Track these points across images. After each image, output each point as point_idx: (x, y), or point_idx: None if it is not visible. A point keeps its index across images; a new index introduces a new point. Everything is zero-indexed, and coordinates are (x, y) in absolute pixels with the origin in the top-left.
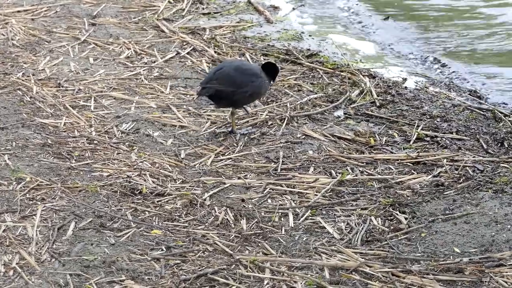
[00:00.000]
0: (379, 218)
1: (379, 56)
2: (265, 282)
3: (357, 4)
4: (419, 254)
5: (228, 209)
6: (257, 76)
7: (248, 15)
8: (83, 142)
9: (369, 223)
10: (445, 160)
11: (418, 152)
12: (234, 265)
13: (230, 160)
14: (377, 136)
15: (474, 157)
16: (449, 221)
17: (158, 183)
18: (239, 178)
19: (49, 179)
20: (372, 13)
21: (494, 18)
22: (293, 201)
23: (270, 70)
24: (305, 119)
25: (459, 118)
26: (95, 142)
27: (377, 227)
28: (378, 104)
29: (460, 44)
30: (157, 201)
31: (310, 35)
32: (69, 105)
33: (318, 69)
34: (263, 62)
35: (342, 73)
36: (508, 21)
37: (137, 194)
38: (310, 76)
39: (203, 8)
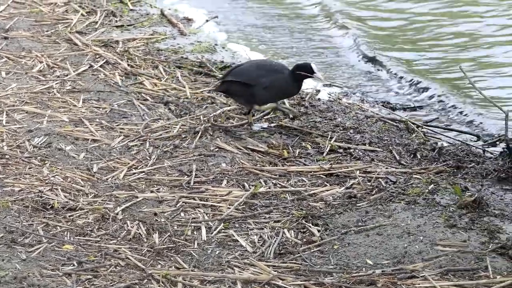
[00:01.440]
0: (292, 231)
1: None
2: None
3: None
4: (332, 267)
5: (140, 223)
6: (277, 72)
7: (161, 27)
8: None
9: (282, 236)
10: (358, 172)
11: (331, 164)
12: (146, 280)
13: (143, 173)
14: (290, 148)
15: (386, 168)
16: (362, 233)
17: (70, 197)
18: (151, 191)
19: None
20: None
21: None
22: (206, 214)
23: (302, 70)
24: (218, 131)
25: (372, 130)
26: (6, 156)
27: (290, 240)
28: (291, 116)
29: None
30: (69, 216)
31: (223, 47)
32: None
33: None
34: (298, 62)
35: None
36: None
37: (49, 209)
38: None
39: (116, 21)
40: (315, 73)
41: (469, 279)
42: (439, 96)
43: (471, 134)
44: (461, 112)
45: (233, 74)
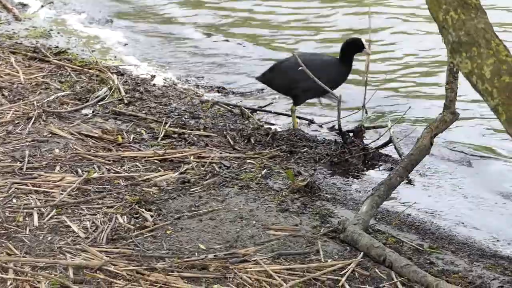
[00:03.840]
0: (125, 216)
1: (130, 53)
2: (9, 283)
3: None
4: (164, 252)
5: None
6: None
7: None
8: None
9: (115, 221)
10: (192, 157)
11: (165, 149)
12: None
13: None
14: (125, 133)
15: (221, 153)
16: (195, 218)
17: None
18: None
19: None
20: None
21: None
22: (39, 200)
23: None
24: (52, 117)
25: (207, 115)
26: None
27: (123, 225)
28: (126, 101)
29: None
30: None
31: (59, 32)
32: None
33: (66, 67)
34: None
35: (90, 71)
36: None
37: None
38: (58, 74)
39: None
40: (364, 48)
41: (300, 262)
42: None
43: (304, 119)
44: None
45: (277, 71)
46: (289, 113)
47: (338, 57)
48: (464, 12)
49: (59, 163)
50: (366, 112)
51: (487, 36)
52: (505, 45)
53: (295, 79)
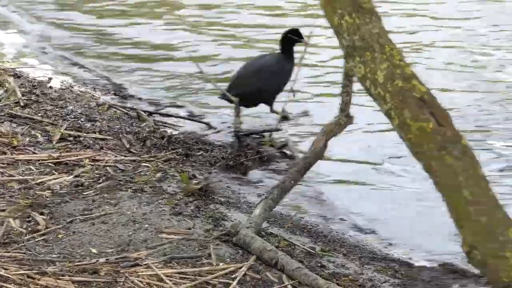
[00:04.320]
0: (17, 220)
1: (27, 55)
2: None
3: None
4: (56, 256)
5: None
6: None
7: None
8: None
9: (7, 225)
10: (87, 160)
11: (60, 152)
12: None
13: None
14: (20, 136)
15: (116, 156)
16: (88, 222)
17: None
18: None
19: None
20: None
21: None
22: None
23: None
24: None
25: (103, 118)
26: None
27: (15, 229)
28: (22, 104)
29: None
30: None
31: None
32: None
33: None
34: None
35: None
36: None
37: None
38: None
39: None
40: (303, 38)
41: (192, 266)
42: (170, 86)
43: (201, 122)
44: (192, 101)
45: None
46: (186, 115)
47: (278, 51)
48: (359, 17)
49: None
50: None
51: (381, 41)
52: (399, 49)
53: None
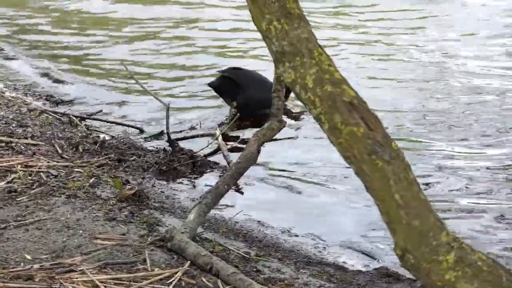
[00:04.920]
0: None
1: None
2: None
3: None
4: None
5: None
6: None
7: None
8: None
9: None
10: (19, 166)
11: None
12: None
13: None
14: None
15: (48, 162)
16: (21, 228)
17: None
18: None
19: None
20: None
21: None
22: None
23: None
24: None
25: (35, 123)
26: None
27: None
28: None
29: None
30: None
31: None
32: None
33: None
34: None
35: None
36: None
37: None
38: None
39: None
40: None
41: (127, 272)
42: (105, 90)
43: (134, 127)
44: (125, 106)
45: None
46: (118, 120)
47: None
48: (287, 22)
49: None
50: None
51: (310, 46)
52: (328, 54)
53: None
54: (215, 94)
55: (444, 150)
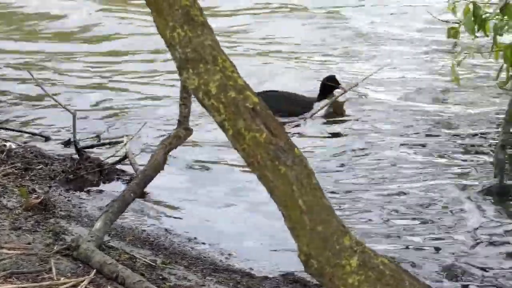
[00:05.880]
0: None
1: None
2: None
3: None
4: None
5: None
6: None
7: None
8: None
9: None
10: None
11: None
12: None
13: None
14: None
15: None
16: None
17: None
18: None
19: None
20: None
21: None
22: None
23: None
24: None
25: None
26: None
27: None
28: None
29: None
30: None
31: None
32: None
33: None
34: None
35: None
36: None
37: None
38: None
39: None
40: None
41: (33, 281)
42: (8, 98)
43: (40, 135)
44: (31, 115)
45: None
46: (24, 129)
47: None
48: (191, 29)
49: None
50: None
51: (214, 53)
52: (232, 61)
53: None
54: (121, 103)
55: None
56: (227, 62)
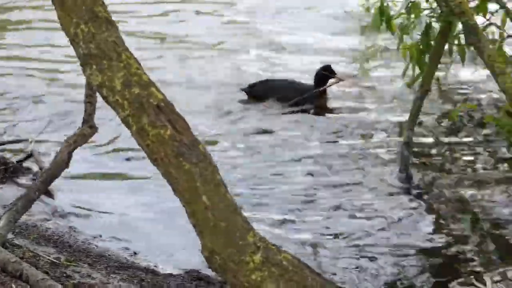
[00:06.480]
0: None
1: None
2: None
3: None
4: None
5: None
6: None
7: None
8: None
9: None
10: None
11: None
12: None
13: None
14: None
15: None
16: None
17: None
18: None
19: None
20: None
21: None
22: None
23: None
24: None
25: None
26: None
27: None
28: None
29: None
30: None
31: None
32: None
33: None
34: None
35: None
36: None
37: None
38: None
39: None
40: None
41: None
42: None
43: None
44: None
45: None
46: None
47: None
48: (95, 26)
49: None
50: None
51: (118, 50)
52: (136, 58)
53: None
54: (33, 101)
55: None
56: (132, 59)
